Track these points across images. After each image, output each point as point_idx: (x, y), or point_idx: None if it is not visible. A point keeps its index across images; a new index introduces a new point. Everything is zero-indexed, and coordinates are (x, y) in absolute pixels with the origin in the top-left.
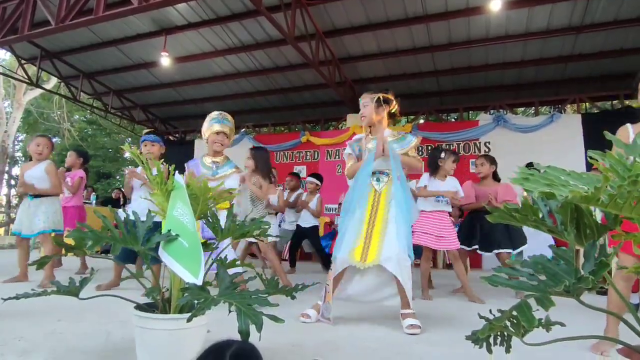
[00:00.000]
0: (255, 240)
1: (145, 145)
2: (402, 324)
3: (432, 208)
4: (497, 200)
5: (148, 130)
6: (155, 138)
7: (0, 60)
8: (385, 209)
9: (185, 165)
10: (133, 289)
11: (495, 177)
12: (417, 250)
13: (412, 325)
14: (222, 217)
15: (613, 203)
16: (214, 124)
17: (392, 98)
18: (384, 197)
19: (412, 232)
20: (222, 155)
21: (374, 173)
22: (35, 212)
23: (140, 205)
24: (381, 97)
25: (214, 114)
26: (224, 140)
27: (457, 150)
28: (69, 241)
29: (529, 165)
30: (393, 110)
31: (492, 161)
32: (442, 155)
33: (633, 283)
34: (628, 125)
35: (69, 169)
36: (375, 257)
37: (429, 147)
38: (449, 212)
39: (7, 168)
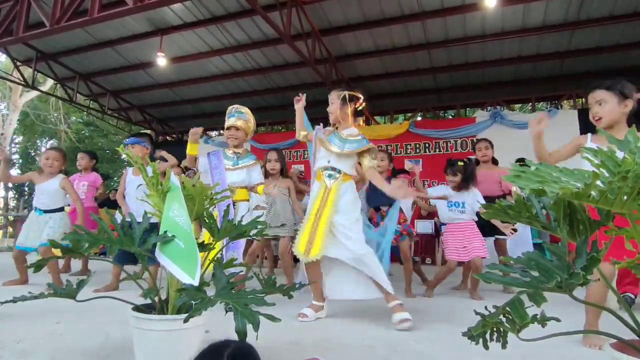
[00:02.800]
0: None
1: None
2: (392, 319)
3: (459, 220)
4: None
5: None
6: (134, 140)
7: None
8: (333, 208)
9: (207, 155)
10: (131, 289)
11: (494, 161)
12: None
13: (401, 320)
14: (242, 208)
15: (604, 199)
16: (226, 119)
17: (359, 96)
18: (334, 193)
19: (446, 247)
20: (242, 147)
21: (326, 169)
22: (44, 228)
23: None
24: (347, 95)
25: (228, 109)
26: (236, 134)
27: (454, 148)
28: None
29: (520, 160)
30: (359, 108)
31: (492, 145)
32: None
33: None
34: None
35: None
36: (318, 251)
37: (426, 145)
38: (475, 221)
39: None
